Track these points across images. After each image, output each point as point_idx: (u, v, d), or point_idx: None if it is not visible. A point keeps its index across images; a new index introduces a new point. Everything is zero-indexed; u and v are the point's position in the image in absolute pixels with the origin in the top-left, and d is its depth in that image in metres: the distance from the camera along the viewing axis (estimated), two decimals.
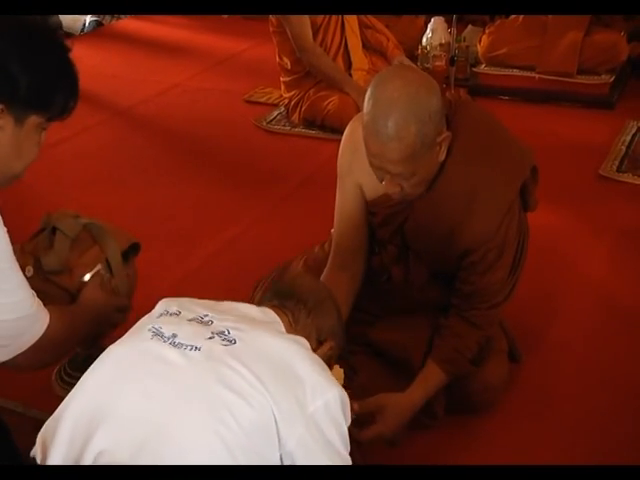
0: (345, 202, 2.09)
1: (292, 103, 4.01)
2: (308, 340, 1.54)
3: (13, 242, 1.58)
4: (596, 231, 3.00)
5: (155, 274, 2.66)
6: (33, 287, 1.65)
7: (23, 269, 1.70)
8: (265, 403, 1.34)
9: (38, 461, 1.41)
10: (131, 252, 2.07)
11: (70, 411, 1.39)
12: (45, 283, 1.88)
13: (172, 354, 1.40)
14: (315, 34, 3.84)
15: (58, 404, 1.44)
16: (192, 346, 1.40)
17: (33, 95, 1.54)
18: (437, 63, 4.23)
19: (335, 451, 1.40)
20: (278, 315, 1.59)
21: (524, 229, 2.05)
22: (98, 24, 5.77)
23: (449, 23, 4.22)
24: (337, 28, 3.90)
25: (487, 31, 4.42)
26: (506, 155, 1.95)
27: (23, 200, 3.02)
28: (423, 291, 2.08)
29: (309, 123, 3.95)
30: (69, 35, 5.33)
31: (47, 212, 2.02)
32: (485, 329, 2.00)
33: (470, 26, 4.71)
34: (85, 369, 1.48)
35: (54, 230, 1.96)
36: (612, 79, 4.16)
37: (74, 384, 1.46)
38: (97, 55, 5.08)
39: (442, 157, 1.84)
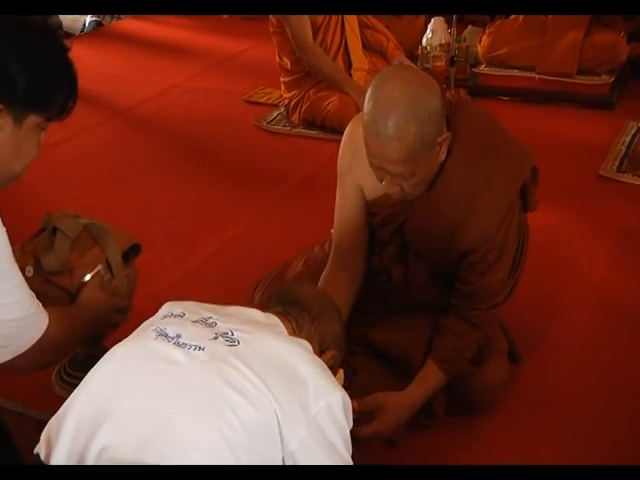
0: (345, 202, 2.09)
1: (292, 103, 4.00)
2: None
3: (13, 242, 1.58)
4: (596, 231, 3.00)
5: (155, 274, 2.66)
6: (33, 287, 1.65)
7: (23, 269, 1.70)
8: (268, 404, 1.35)
9: (42, 457, 1.42)
10: (132, 253, 2.07)
11: (74, 409, 1.40)
12: (45, 283, 1.88)
13: (176, 353, 1.40)
14: (315, 34, 3.83)
15: (58, 404, 1.44)
16: (196, 346, 1.41)
17: (32, 95, 1.54)
18: (437, 63, 4.22)
19: (337, 453, 1.41)
20: (282, 322, 1.60)
21: (524, 229, 2.05)
22: (98, 24, 5.77)
23: (449, 23, 4.21)
24: (337, 28, 3.90)
25: (487, 31, 4.42)
26: (506, 155, 1.95)
27: (23, 200, 3.02)
28: (423, 291, 2.08)
29: (309, 123, 3.95)
30: (69, 35, 5.32)
31: (47, 212, 2.01)
32: (485, 329, 2.00)
33: (470, 26, 4.72)
34: (85, 369, 1.48)
35: (54, 230, 1.96)
36: (612, 79, 4.16)
37: (74, 384, 1.46)
38: (97, 55, 5.09)
39: (442, 157, 1.84)
